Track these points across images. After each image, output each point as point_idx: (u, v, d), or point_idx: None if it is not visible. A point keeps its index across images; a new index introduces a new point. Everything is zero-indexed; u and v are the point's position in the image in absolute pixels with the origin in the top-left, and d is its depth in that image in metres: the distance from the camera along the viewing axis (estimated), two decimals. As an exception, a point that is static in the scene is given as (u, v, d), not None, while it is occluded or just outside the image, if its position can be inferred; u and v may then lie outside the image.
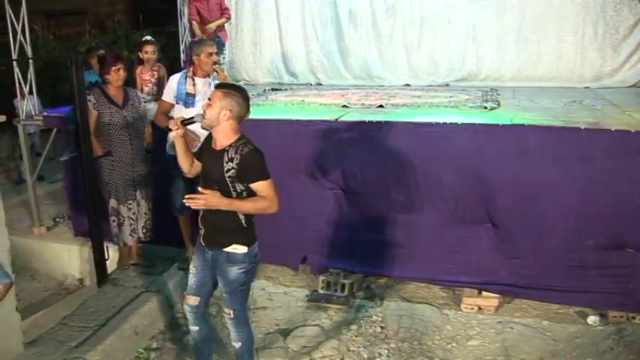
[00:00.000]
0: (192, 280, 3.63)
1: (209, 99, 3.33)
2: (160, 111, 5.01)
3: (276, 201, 3.34)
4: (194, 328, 3.72)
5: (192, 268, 3.64)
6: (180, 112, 4.66)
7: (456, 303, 4.88)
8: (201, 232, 3.51)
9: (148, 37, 6.42)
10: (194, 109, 4.54)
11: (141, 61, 6.09)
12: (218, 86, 3.43)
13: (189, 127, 3.63)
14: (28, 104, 6.51)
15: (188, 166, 3.56)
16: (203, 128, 3.39)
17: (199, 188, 3.35)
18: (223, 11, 7.52)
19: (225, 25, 7.85)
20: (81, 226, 5.94)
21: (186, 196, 3.32)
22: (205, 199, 3.26)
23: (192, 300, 3.62)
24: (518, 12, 7.85)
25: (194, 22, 7.49)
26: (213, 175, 3.33)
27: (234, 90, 3.38)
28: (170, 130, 3.47)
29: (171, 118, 4.89)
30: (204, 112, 3.31)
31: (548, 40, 7.75)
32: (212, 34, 7.10)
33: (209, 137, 3.46)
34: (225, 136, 3.32)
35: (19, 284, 4.05)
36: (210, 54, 4.87)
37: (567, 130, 4.55)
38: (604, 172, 4.37)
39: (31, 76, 6.55)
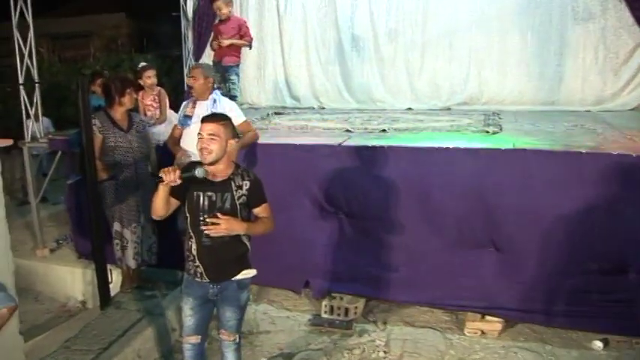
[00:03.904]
0: (190, 321, 3.44)
1: (210, 134, 3.17)
2: (172, 135, 5.12)
3: (274, 221, 3.43)
4: None
5: (188, 310, 3.44)
6: (186, 136, 4.73)
7: (459, 327, 4.86)
8: (199, 269, 3.32)
9: (145, 63, 6.43)
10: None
11: (140, 87, 6.00)
12: (211, 119, 3.28)
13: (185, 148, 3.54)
14: (34, 126, 6.56)
15: (165, 210, 3.28)
16: (209, 164, 3.19)
17: (207, 219, 3.20)
18: (243, 36, 6.53)
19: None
20: (84, 248, 5.94)
21: (207, 223, 3.20)
22: (228, 224, 3.19)
23: (194, 339, 3.48)
24: (519, 36, 7.94)
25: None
26: (222, 206, 3.22)
27: (226, 118, 3.37)
28: (159, 179, 3.11)
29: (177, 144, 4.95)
30: (203, 152, 3.17)
31: (549, 63, 7.82)
32: (222, 51, 6.40)
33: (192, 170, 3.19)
34: (227, 166, 3.28)
35: (21, 306, 4.03)
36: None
37: (569, 155, 4.57)
38: (606, 196, 4.37)
39: (37, 99, 6.61)
